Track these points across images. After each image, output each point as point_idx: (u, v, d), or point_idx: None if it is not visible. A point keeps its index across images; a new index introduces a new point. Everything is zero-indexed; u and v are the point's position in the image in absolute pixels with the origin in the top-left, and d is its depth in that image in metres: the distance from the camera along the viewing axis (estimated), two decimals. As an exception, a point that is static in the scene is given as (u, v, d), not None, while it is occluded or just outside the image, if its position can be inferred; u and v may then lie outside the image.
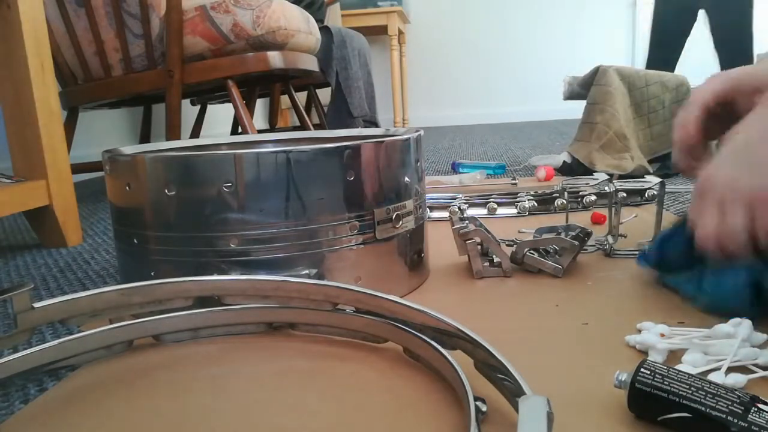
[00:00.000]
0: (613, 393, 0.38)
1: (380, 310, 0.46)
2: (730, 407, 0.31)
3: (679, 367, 0.39)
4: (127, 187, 0.54)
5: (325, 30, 2.17)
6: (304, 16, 1.43)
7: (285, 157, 0.51)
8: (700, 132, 0.51)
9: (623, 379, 0.35)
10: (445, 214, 0.94)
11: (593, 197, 0.75)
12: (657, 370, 0.34)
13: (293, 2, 1.47)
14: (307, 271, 0.52)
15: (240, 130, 2.08)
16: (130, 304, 0.49)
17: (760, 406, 0.31)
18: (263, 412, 0.39)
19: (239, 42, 1.30)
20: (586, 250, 0.70)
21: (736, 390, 0.33)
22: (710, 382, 0.33)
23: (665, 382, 0.33)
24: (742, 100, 0.49)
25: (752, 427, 0.30)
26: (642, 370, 0.34)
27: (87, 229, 1.10)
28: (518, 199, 0.93)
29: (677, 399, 0.33)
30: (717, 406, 0.32)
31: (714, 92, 0.51)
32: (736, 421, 0.31)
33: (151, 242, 0.54)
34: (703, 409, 0.32)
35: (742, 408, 0.31)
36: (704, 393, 0.32)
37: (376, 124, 2.49)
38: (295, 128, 2.63)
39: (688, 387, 0.33)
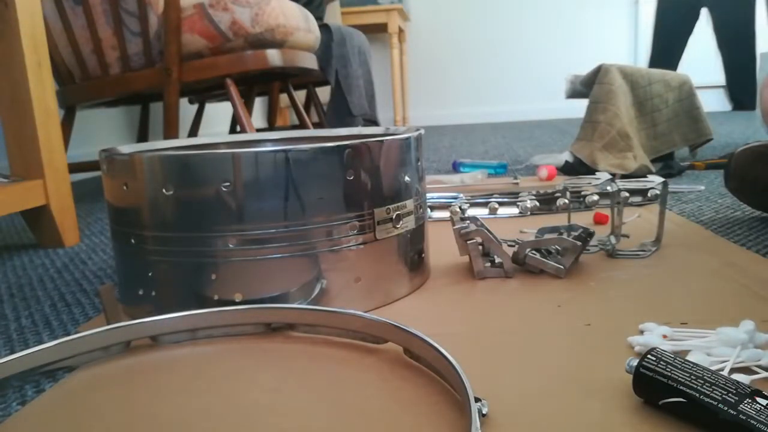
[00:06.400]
0: (616, 394, 0.38)
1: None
2: (724, 396, 0.32)
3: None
4: (125, 187, 0.54)
5: (324, 28, 2.17)
6: (303, 13, 1.43)
7: (284, 156, 0.50)
8: None
9: (633, 364, 0.37)
10: (445, 214, 0.93)
11: (595, 197, 0.75)
12: (663, 358, 0.36)
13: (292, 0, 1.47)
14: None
15: (238, 128, 2.08)
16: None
17: (758, 399, 0.31)
18: (262, 414, 0.38)
19: (238, 40, 1.30)
20: (589, 250, 0.70)
21: (740, 383, 0.33)
22: (714, 373, 0.34)
23: (667, 369, 0.35)
24: None
25: (740, 416, 0.31)
26: (649, 356, 0.36)
27: (84, 228, 1.10)
28: (520, 199, 0.93)
29: (674, 384, 0.34)
30: (711, 394, 0.33)
31: None
32: (726, 409, 0.32)
33: (148, 242, 0.53)
34: (696, 395, 0.33)
35: (736, 398, 0.32)
36: (702, 381, 0.33)
37: (376, 123, 2.48)
38: (294, 127, 2.62)
39: (688, 375, 0.34)
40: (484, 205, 0.93)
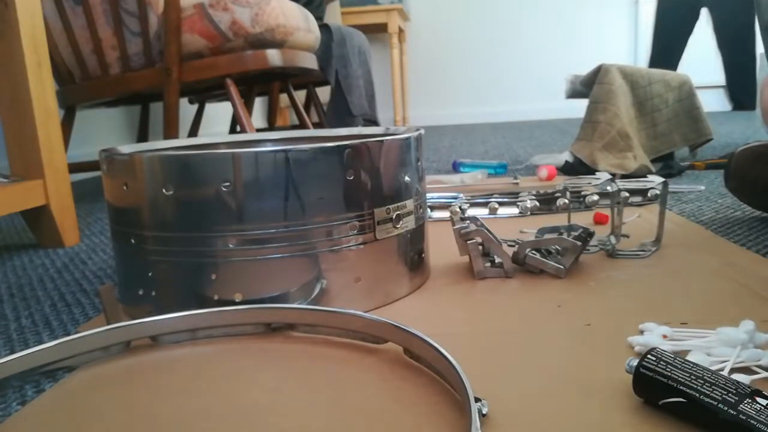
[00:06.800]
0: (616, 394, 0.38)
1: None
2: (724, 396, 0.32)
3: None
4: (125, 187, 0.54)
5: (324, 28, 2.17)
6: (303, 13, 1.43)
7: (284, 156, 0.50)
8: None
9: (633, 364, 0.37)
10: (445, 214, 0.93)
11: (595, 197, 0.75)
12: (663, 358, 0.36)
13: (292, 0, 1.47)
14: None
15: (238, 128, 2.08)
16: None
17: (758, 399, 0.31)
18: (262, 414, 0.38)
19: (238, 40, 1.30)
20: (589, 250, 0.70)
21: (740, 383, 0.33)
22: (714, 373, 0.34)
23: (667, 369, 0.35)
24: None
25: (740, 416, 0.31)
26: (649, 356, 0.36)
27: (84, 229, 1.10)
28: (520, 199, 0.93)
29: (674, 384, 0.34)
30: (711, 394, 0.33)
31: None
32: (725, 409, 0.32)
33: (148, 242, 0.53)
34: (696, 395, 0.33)
35: (737, 398, 0.32)
36: (702, 381, 0.33)
37: (376, 123, 2.48)
38: (294, 127, 2.62)
39: (688, 375, 0.34)
40: (484, 205, 0.93)
